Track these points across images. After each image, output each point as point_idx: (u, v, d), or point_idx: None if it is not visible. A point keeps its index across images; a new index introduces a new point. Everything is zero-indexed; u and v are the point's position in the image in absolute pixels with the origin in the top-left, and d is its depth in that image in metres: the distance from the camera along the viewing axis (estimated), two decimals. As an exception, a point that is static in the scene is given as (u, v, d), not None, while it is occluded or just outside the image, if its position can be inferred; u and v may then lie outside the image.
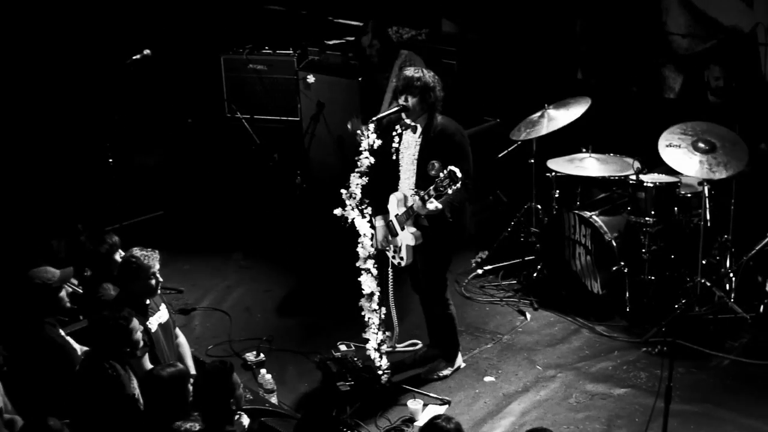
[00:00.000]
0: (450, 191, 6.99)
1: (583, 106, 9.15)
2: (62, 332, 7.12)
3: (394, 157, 7.60)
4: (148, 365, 6.89)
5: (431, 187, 7.08)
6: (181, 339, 7.66)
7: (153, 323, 7.21)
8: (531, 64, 10.97)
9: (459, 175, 6.94)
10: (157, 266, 7.16)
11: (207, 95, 11.91)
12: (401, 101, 7.41)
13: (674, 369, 6.44)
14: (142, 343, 6.64)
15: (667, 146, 8.33)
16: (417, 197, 7.21)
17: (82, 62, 11.27)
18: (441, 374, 8.05)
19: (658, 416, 6.56)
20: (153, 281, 7.13)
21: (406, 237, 7.57)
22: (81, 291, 8.07)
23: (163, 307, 7.42)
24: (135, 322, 6.56)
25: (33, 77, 11.11)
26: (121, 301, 7.14)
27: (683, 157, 8.26)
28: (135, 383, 6.65)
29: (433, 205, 7.13)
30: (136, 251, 7.15)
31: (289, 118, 11.54)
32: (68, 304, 7.23)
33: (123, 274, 7.16)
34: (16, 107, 11.00)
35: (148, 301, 7.22)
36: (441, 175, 7.01)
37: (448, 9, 11.67)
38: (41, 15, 11.13)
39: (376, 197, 7.67)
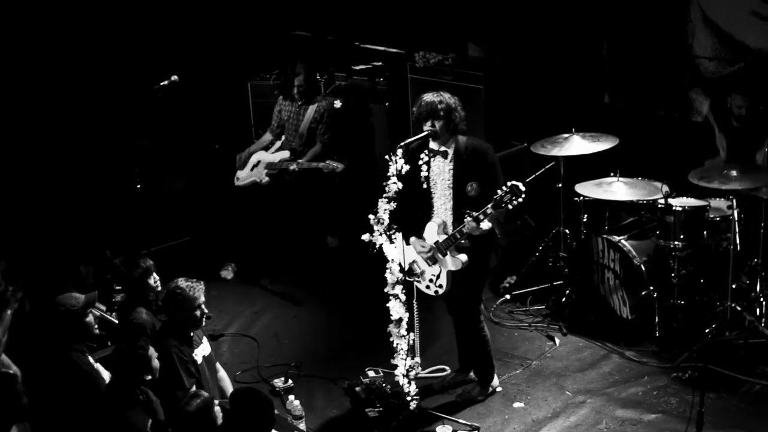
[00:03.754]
0: (511, 206, 7.01)
1: (609, 143, 9.14)
2: (91, 359, 7.12)
3: (425, 186, 7.59)
4: None
5: (489, 205, 7.10)
6: (223, 373, 7.68)
7: (198, 355, 7.22)
8: (558, 87, 10.95)
9: (522, 188, 6.95)
10: (203, 298, 7.18)
11: (234, 121, 11.93)
12: (427, 127, 7.41)
13: (705, 394, 6.40)
14: (157, 371, 6.65)
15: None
16: (470, 219, 7.20)
17: (110, 88, 11.32)
18: (477, 398, 8.04)
19: (690, 442, 6.54)
20: (198, 312, 7.16)
21: (450, 263, 7.52)
22: (109, 316, 8.10)
23: (205, 339, 7.43)
24: (152, 351, 6.57)
25: (62, 103, 11.16)
26: (166, 331, 7.17)
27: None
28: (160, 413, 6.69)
29: (486, 224, 7.15)
30: (182, 282, 7.16)
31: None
32: (96, 330, 7.25)
33: (168, 304, 7.19)
34: (45, 133, 11.05)
35: (192, 333, 7.24)
36: (501, 189, 7.02)
37: (474, 33, 11.67)
38: (70, 42, 11.18)
39: (405, 223, 7.65)
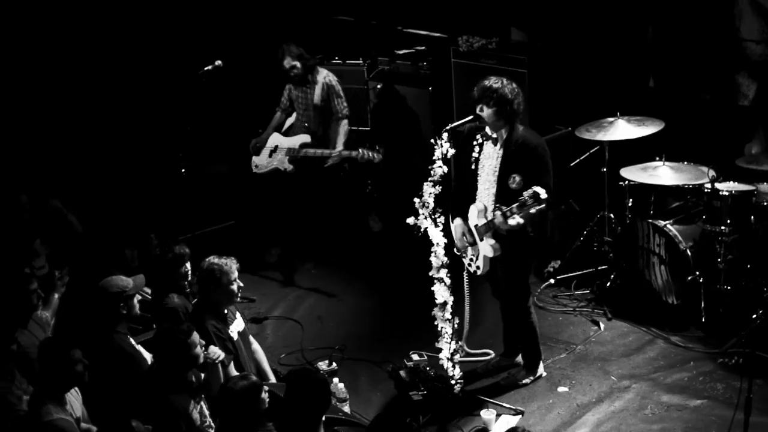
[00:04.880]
0: (533, 211, 6.99)
1: (655, 128, 9.08)
2: (133, 341, 7.20)
3: (473, 167, 7.59)
4: (234, 373, 6.96)
5: (514, 205, 7.09)
6: (256, 345, 7.76)
7: (233, 331, 7.28)
8: (602, 72, 10.88)
9: (543, 196, 6.94)
10: (236, 273, 7.24)
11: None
12: (477, 110, 7.40)
13: (752, 380, 6.36)
14: (201, 359, 6.69)
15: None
16: (499, 213, 7.20)
17: (156, 74, 11.38)
18: (522, 382, 8.04)
19: (737, 428, 6.48)
20: (234, 287, 7.21)
21: (485, 248, 7.54)
22: (150, 299, 8.16)
23: (238, 315, 7.49)
24: (195, 337, 6.61)
25: (110, 88, 11.25)
26: (200, 309, 7.22)
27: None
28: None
29: (515, 221, 7.15)
30: (215, 259, 7.23)
31: (360, 128, 11.54)
32: (138, 312, 7.32)
33: (205, 281, 7.24)
34: (93, 118, 11.14)
35: (225, 310, 7.29)
36: (525, 194, 7.01)
37: (517, 18, 11.61)
38: (120, 27, 11.27)
39: (454, 203, 7.65)
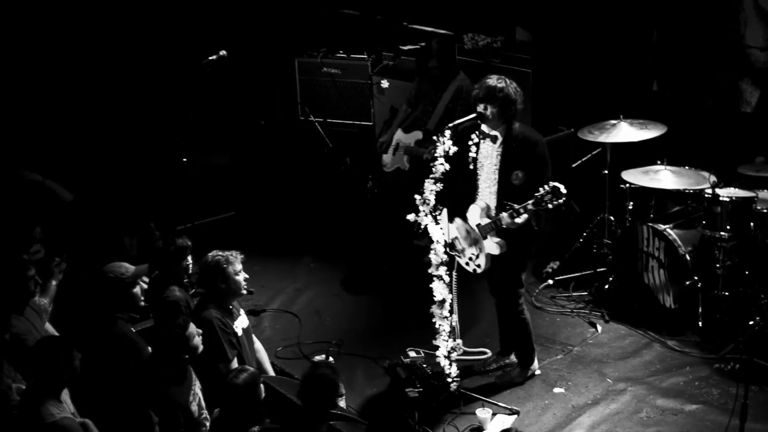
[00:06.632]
0: (551, 206, 7.00)
1: (658, 131, 9.08)
2: (132, 330, 7.20)
3: (471, 167, 7.59)
4: None
5: (530, 201, 7.12)
6: (258, 344, 7.76)
7: (238, 327, 7.28)
8: (606, 74, 10.89)
9: (563, 190, 6.94)
10: (241, 265, 7.28)
11: (280, 97, 11.97)
12: (479, 109, 7.40)
13: (748, 387, 6.37)
14: (201, 348, 6.70)
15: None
16: (506, 213, 7.22)
17: (159, 62, 11.38)
18: (516, 380, 8.06)
19: (731, 434, 6.50)
20: (240, 278, 7.24)
21: (490, 246, 7.52)
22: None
23: (243, 312, 7.49)
24: (192, 328, 6.62)
25: (111, 76, 11.24)
26: (207, 304, 7.22)
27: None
28: (197, 387, 6.73)
29: (521, 218, 7.16)
30: (219, 252, 7.22)
31: (362, 123, 11.56)
32: (141, 302, 7.31)
33: (210, 274, 7.23)
34: (94, 105, 11.13)
35: (231, 306, 7.29)
36: (542, 190, 7.03)
37: (522, 17, 11.62)
38: (123, 16, 11.26)
39: (451, 202, 7.64)
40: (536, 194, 7.07)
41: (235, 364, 7.06)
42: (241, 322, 7.40)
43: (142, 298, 7.24)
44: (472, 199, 7.61)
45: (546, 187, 7.03)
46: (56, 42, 11.03)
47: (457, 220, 7.71)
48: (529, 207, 7.12)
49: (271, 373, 7.72)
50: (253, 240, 10.52)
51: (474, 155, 7.57)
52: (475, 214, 7.57)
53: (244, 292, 7.41)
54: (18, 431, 6.21)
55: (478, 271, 7.70)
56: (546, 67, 10.82)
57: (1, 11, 10.72)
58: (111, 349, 6.90)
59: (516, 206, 7.19)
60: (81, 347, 6.41)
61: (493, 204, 7.49)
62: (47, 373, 6.15)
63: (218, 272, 7.21)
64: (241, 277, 7.29)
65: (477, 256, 7.65)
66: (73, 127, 11.01)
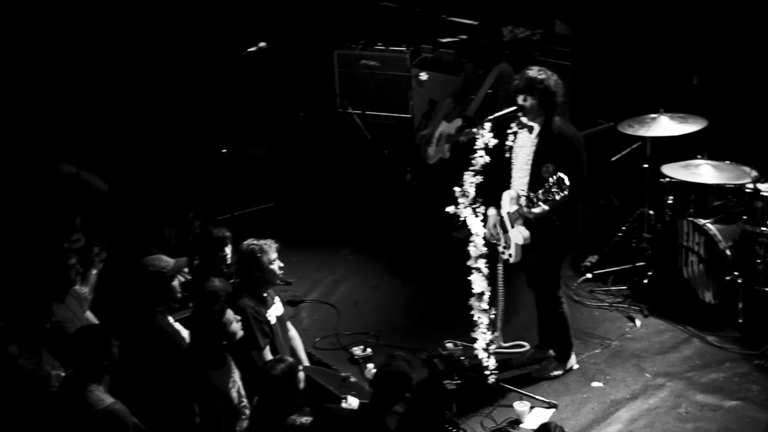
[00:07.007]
0: (557, 197, 6.99)
1: (698, 125, 9.03)
2: (171, 319, 7.24)
3: (507, 155, 7.60)
4: (269, 357, 7.00)
5: (540, 191, 7.10)
6: (293, 332, 7.78)
7: (272, 315, 7.31)
8: (646, 67, 10.83)
9: (567, 183, 6.95)
10: (276, 254, 7.30)
11: (319, 89, 11.98)
12: (519, 101, 7.39)
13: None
14: (240, 334, 6.73)
15: None
16: (525, 199, 7.21)
17: (200, 53, 11.42)
18: (553, 374, 8.04)
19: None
20: (275, 266, 7.26)
21: (516, 235, 7.56)
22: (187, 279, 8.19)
23: (277, 299, 7.51)
24: (229, 314, 6.65)
25: (152, 67, 11.29)
26: (241, 292, 7.25)
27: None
28: (236, 375, 6.75)
29: (540, 208, 7.16)
30: (254, 241, 7.26)
31: (401, 115, 11.56)
32: (179, 294, 7.34)
33: (245, 262, 7.27)
34: (137, 97, 11.20)
35: (265, 294, 7.32)
36: (550, 180, 7.00)
37: (561, 10, 11.57)
38: (163, 7, 11.31)
39: (488, 191, 7.65)
40: (546, 184, 7.06)
41: (267, 352, 7.09)
42: (275, 311, 7.43)
43: (179, 290, 7.27)
44: (507, 187, 7.64)
45: (553, 177, 7.02)
46: (95, 34, 11.08)
47: (494, 209, 7.73)
48: (540, 196, 7.11)
49: (306, 361, 7.74)
50: (292, 231, 10.52)
51: (511, 144, 7.58)
52: (506, 202, 7.60)
53: (279, 281, 7.43)
54: (64, 418, 6.23)
55: (511, 260, 7.72)
56: (585, 60, 10.79)
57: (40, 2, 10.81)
58: (149, 344, 6.95)
59: (531, 194, 7.19)
60: (119, 339, 6.47)
61: (522, 194, 7.47)
62: (88, 360, 6.21)
63: (253, 261, 7.25)
64: (276, 265, 7.33)
65: (508, 246, 7.65)
66: (115, 119, 11.06)
